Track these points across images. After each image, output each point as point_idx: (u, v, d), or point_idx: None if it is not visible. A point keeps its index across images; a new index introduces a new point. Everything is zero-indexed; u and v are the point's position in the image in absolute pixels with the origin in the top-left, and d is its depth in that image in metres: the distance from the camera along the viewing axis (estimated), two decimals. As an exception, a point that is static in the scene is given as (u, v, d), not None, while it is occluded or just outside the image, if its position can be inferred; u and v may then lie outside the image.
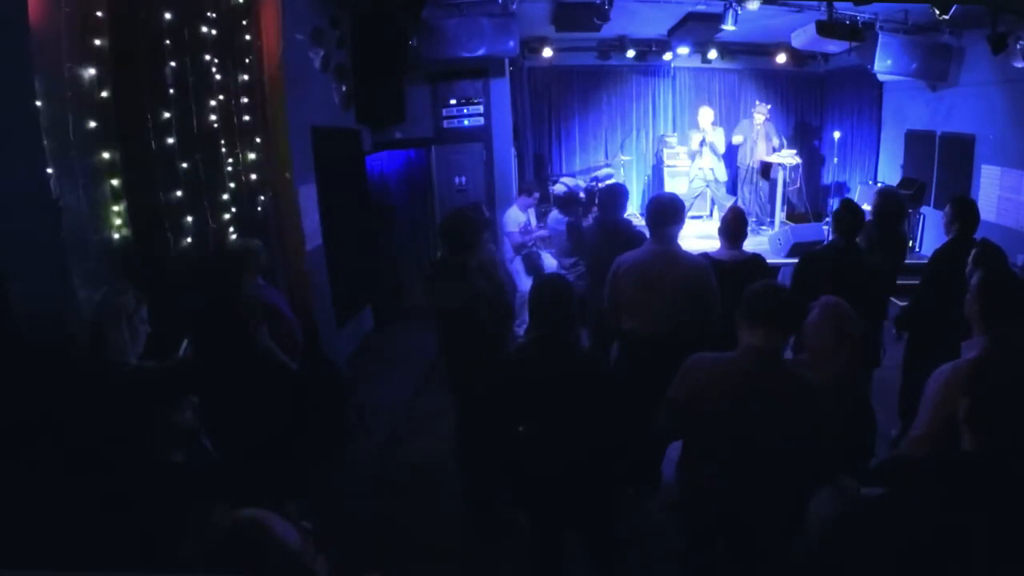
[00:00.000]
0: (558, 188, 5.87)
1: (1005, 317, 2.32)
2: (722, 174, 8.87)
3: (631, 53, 9.30)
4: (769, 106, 9.13)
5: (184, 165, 3.37)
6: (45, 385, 2.34)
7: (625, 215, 4.75)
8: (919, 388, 2.37)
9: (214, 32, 3.66)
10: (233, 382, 3.15)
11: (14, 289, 2.30)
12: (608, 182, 7.28)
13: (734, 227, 3.90)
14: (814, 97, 10.43)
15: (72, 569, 1.62)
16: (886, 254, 4.25)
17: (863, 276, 3.53)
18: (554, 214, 5.60)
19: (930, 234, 7.88)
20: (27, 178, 2.44)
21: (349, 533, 3.46)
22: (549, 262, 5.86)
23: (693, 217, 8.49)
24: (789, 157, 8.48)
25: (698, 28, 7.77)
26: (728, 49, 9.58)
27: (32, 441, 2.18)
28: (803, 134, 10.35)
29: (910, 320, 4.08)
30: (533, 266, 5.99)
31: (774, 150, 8.69)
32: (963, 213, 3.91)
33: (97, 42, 2.91)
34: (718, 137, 8.75)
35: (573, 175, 9.14)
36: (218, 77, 3.72)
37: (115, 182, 3.01)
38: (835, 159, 9.69)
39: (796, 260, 4.09)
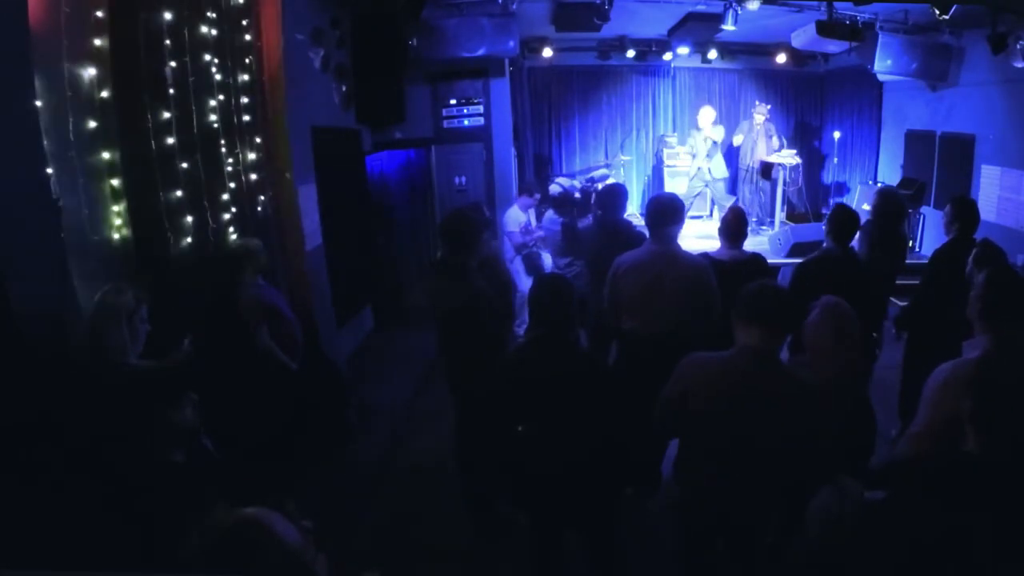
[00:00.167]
0: (553, 189, 5.87)
1: (1009, 318, 2.31)
2: (719, 171, 8.87)
3: (631, 53, 9.30)
4: (769, 106, 9.13)
5: (184, 165, 3.37)
6: (45, 385, 2.34)
7: (625, 215, 4.75)
8: (919, 388, 2.36)
9: (214, 32, 3.66)
10: (233, 382, 3.16)
11: (14, 289, 2.30)
12: (606, 182, 7.28)
13: (734, 227, 3.90)
14: (814, 97, 10.43)
15: (72, 569, 1.62)
16: (886, 254, 4.25)
17: (861, 281, 3.50)
18: (549, 214, 5.60)
19: (930, 234, 7.88)
20: (27, 178, 2.44)
21: (349, 533, 3.47)
22: (550, 262, 5.86)
23: (693, 217, 8.50)
24: (789, 157, 8.48)
25: (698, 28, 7.77)
26: (728, 49, 9.58)
27: (32, 441, 2.18)
28: (803, 134, 10.35)
29: (910, 320, 4.08)
30: (533, 266, 5.99)
31: (774, 150, 8.69)
32: (963, 213, 3.90)
33: (97, 42, 2.92)
34: (718, 137, 8.79)
35: (573, 175, 9.14)
36: (218, 77, 3.72)
37: (115, 182, 3.02)
38: (835, 159, 9.70)
39: (796, 261, 4.08)
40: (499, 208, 7.21)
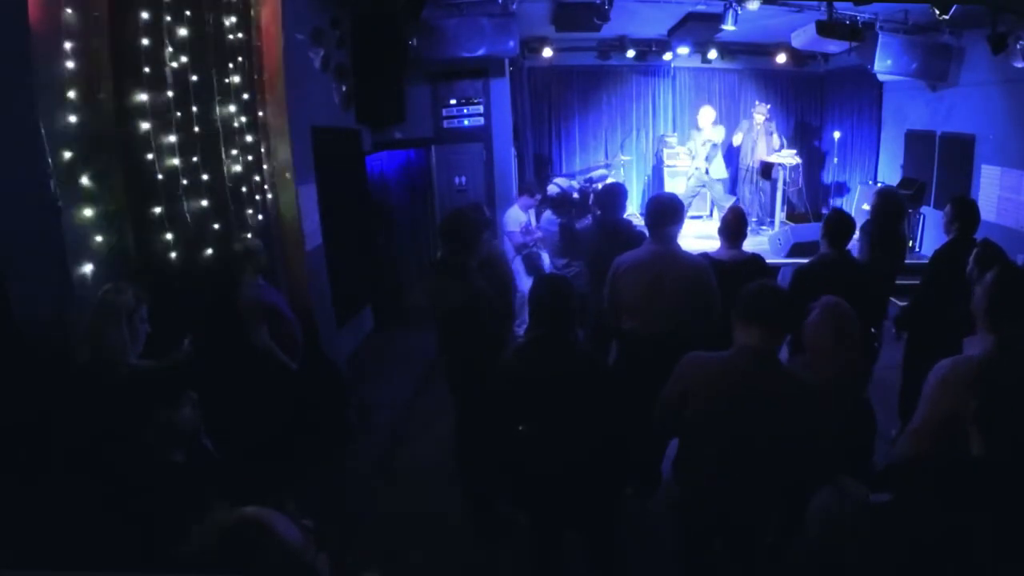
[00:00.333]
0: (551, 189, 5.86)
1: (1014, 316, 2.30)
2: (718, 172, 8.86)
3: (631, 53, 9.29)
4: (769, 106, 9.13)
5: (184, 165, 3.37)
6: (45, 385, 2.35)
7: (625, 215, 4.75)
8: (919, 388, 2.35)
9: (214, 32, 3.66)
10: (233, 382, 3.16)
11: (14, 289, 2.31)
12: (605, 182, 7.27)
13: (734, 227, 3.90)
14: (814, 97, 10.43)
15: (72, 569, 1.62)
16: (886, 254, 4.25)
17: (860, 282, 3.48)
18: (547, 215, 5.60)
19: (930, 234, 7.88)
20: (27, 178, 2.44)
21: (349, 532, 3.47)
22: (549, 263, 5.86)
23: (693, 217, 8.50)
24: (789, 157, 8.48)
25: (698, 28, 7.77)
26: (728, 49, 9.58)
27: (32, 441, 2.18)
28: (803, 134, 10.34)
29: (910, 320, 4.08)
30: (533, 266, 5.99)
31: (774, 150, 8.70)
32: (963, 213, 3.90)
33: (97, 42, 2.92)
34: (718, 136, 8.80)
35: (572, 175, 9.14)
36: (218, 77, 3.72)
37: (115, 182, 3.02)
38: (835, 159, 9.69)
39: (796, 261, 4.08)
40: (499, 208, 7.21)
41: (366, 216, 6.58)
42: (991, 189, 6.95)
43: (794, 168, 8.56)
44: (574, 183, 8.00)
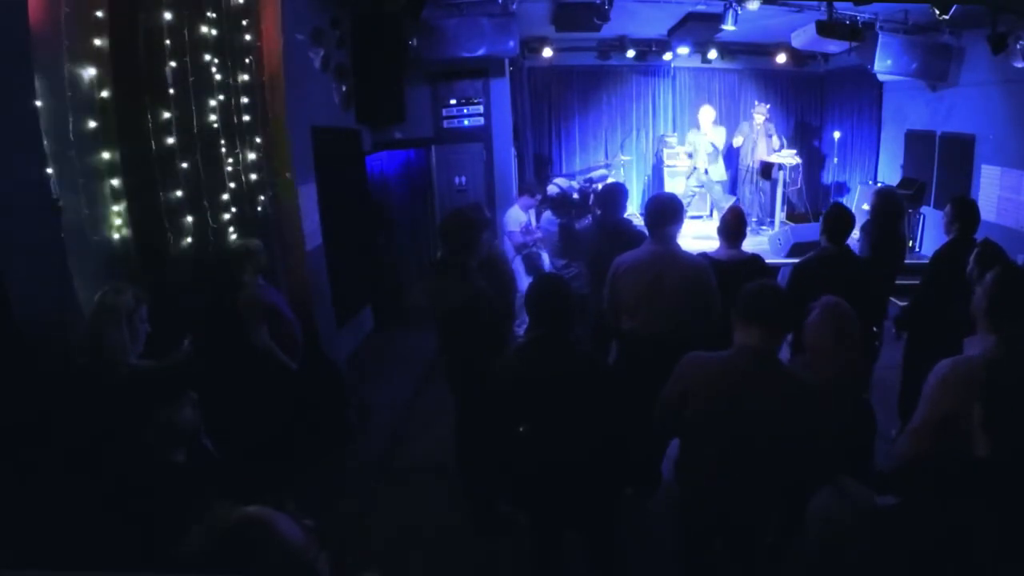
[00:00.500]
0: (551, 189, 5.86)
1: (1014, 317, 2.30)
2: (717, 174, 8.86)
3: (631, 53, 9.30)
4: (769, 106, 9.13)
5: (184, 165, 3.37)
6: (45, 385, 2.35)
7: (625, 215, 4.75)
8: (919, 388, 2.35)
9: (214, 32, 3.66)
10: (233, 382, 3.16)
11: (14, 289, 2.30)
12: (606, 182, 7.27)
13: (733, 227, 3.90)
14: (814, 97, 10.43)
15: (72, 569, 1.62)
16: (885, 254, 4.25)
17: (860, 280, 3.49)
18: (547, 215, 5.59)
19: (930, 234, 7.88)
20: (27, 178, 2.44)
21: (349, 532, 3.47)
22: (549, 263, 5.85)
23: (692, 217, 8.50)
24: (789, 157, 8.48)
25: (698, 28, 7.77)
26: (728, 49, 9.58)
27: (32, 441, 2.18)
28: (803, 134, 10.35)
29: (910, 320, 4.08)
30: (534, 266, 5.99)
31: (774, 150, 8.70)
32: (963, 213, 3.90)
33: (97, 42, 2.92)
34: (718, 136, 8.79)
35: (572, 175, 9.14)
36: (218, 77, 3.72)
37: (115, 182, 3.02)
38: (835, 159, 9.69)
39: (796, 261, 4.08)
40: (499, 208, 7.21)
41: (366, 216, 6.58)
42: (991, 189, 6.95)
43: (794, 168, 8.57)
44: (574, 183, 7.99)
